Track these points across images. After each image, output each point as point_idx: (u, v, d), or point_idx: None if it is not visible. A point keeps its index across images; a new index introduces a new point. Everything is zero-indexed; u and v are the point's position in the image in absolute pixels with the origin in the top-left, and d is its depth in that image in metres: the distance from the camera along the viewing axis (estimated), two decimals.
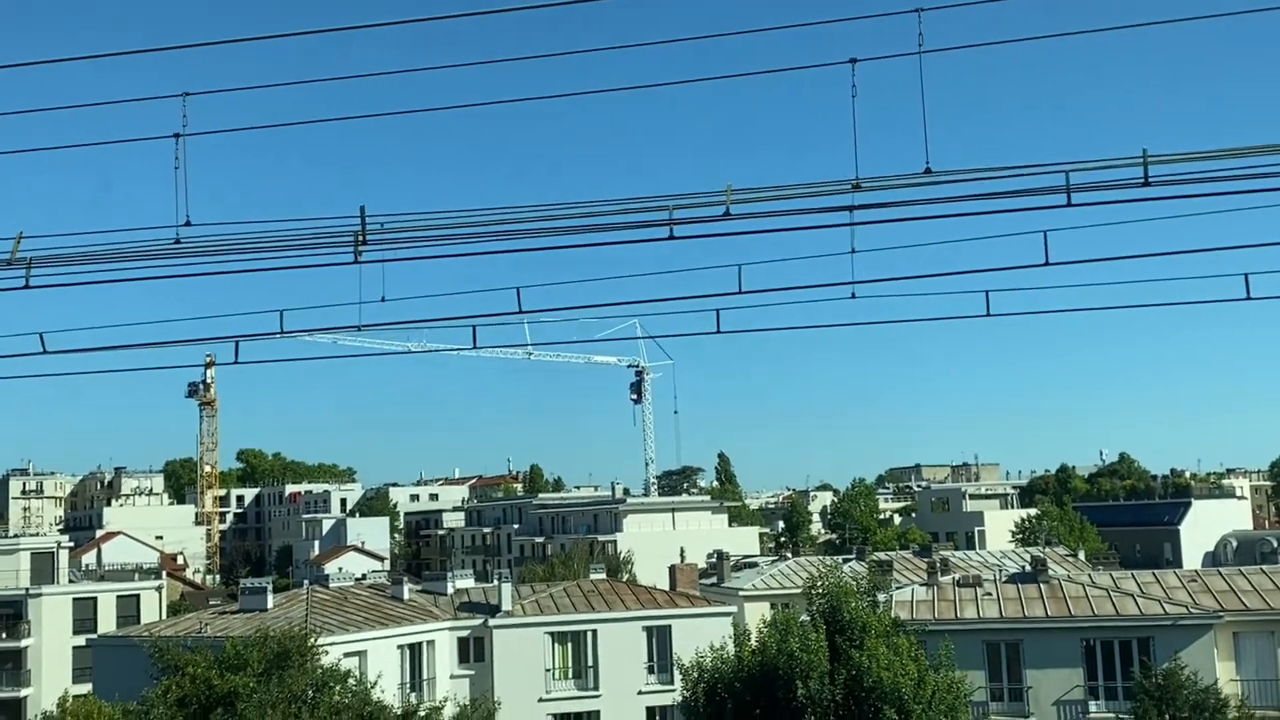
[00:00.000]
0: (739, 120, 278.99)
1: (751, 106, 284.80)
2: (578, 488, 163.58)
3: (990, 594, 46.35)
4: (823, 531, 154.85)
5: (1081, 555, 70.85)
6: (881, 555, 69.81)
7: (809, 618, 37.74)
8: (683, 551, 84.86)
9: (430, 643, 50.47)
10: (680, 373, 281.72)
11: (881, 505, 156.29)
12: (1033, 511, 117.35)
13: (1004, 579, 48.50)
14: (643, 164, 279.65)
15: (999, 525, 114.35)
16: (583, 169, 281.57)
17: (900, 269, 14.90)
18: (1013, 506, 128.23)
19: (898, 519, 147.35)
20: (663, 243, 13.61)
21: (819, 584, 38.69)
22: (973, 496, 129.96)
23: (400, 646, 49.55)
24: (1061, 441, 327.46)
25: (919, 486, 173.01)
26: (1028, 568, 51.75)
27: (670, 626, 51.65)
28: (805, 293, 15.57)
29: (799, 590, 47.19)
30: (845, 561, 60.07)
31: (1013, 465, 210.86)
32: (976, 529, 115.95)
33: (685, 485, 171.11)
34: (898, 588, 48.01)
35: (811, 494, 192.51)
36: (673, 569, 59.18)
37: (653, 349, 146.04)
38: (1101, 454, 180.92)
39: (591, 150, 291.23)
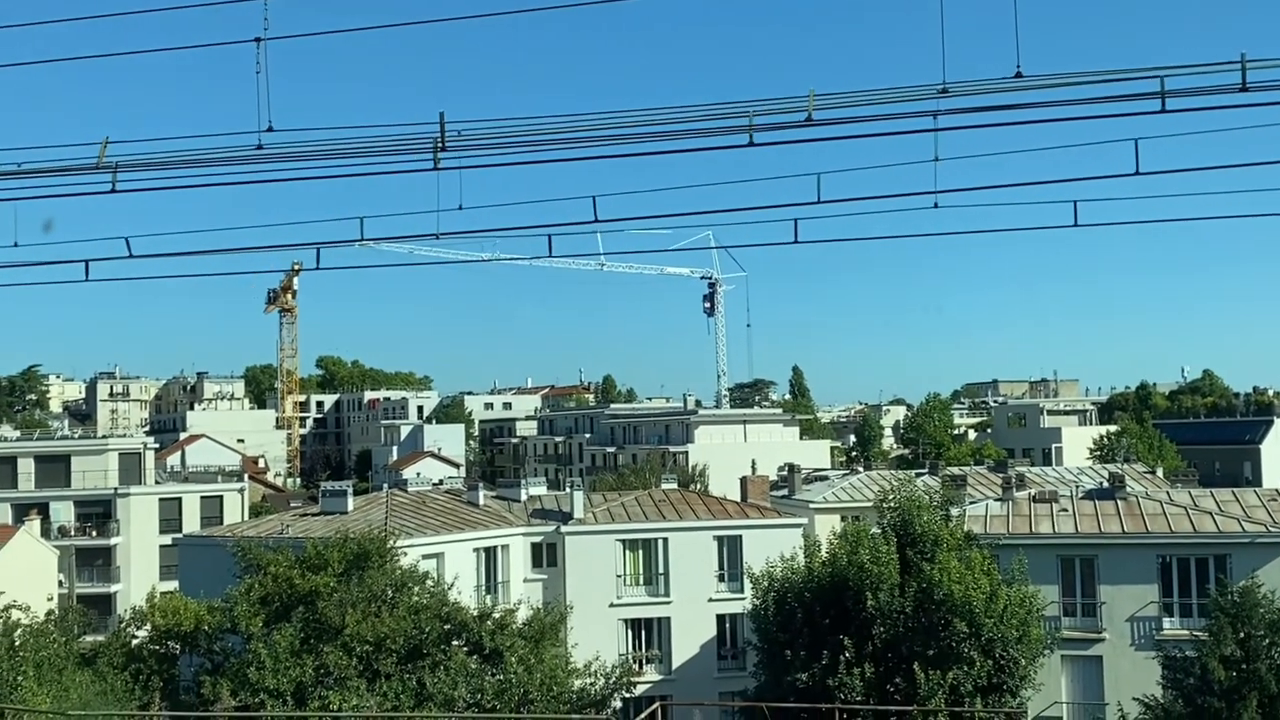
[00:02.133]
0: (821, 25, 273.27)
1: (835, 8, 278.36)
2: (649, 399, 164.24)
3: (1066, 510, 46.00)
4: (895, 446, 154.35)
5: (1160, 473, 69.94)
6: (955, 470, 69.48)
7: (880, 530, 37.85)
8: (754, 464, 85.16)
9: (505, 547, 51.35)
10: (753, 284, 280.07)
11: (956, 421, 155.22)
12: (1112, 428, 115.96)
13: (1080, 495, 48.08)
14: (722, 71, 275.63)
15: (1077, 442, 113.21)
16: (662, 76, 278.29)
17: (986, 177, 14.62)
18: (1091, 423, 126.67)
19: (973, 435, 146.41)
20: (740, 151, 13.44)
21: (891, 497, 38.76)
22: (1050, 412, 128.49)
23: (476, 550, 50.47)
24: (1143, 358, 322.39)
25: (995, 402, 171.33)
26: (1105, 484, 51.24)
27: (740, 536, 52.03)
28: (886, 202, 15.32)
29: (870, 503, 47.27)
30: (918, 475, 59.87)
31: (1092, 381, 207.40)
32: (1054, 445, 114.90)
33: (757, 398, 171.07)
34: (971, 503, 47.82)
35: (884, 408, 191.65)
36: (744, 480, 59.44)
37: (725, 260, 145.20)
38: (1184, 371, 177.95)
39: (670, 58, 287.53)
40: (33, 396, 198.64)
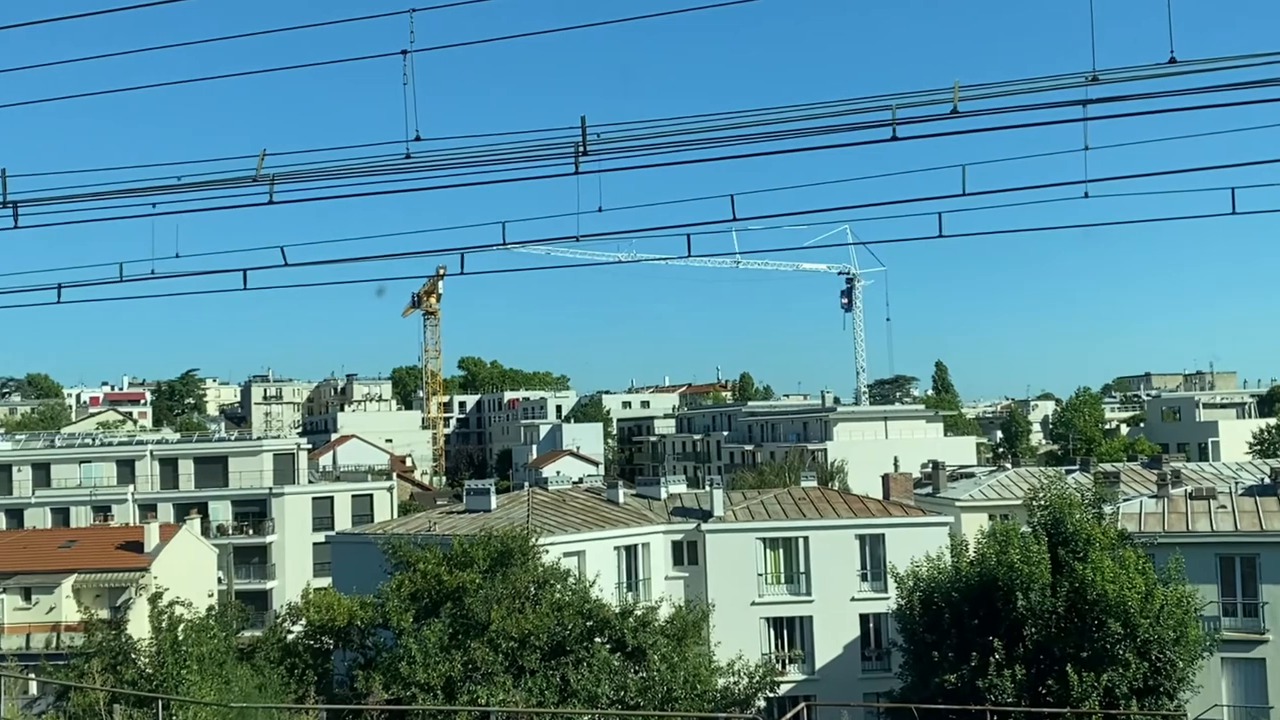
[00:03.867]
0: (966, 14, 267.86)
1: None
2: (787, 396, 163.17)
3: (1225, 506, 44.29)
4: (1044, 442, 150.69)
5: None
6: (1107, 467, 67.46)
7: (1030, 529, 36.98)
8: (896, 461, 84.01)
9: (645, 545, 51.62)
10: (893, 279, 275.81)
11: (1107, 415, 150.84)
12: (1272, 421, 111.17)
13: (1240, 492, 46.23)
14: (863, 65, 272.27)
15: (1235, 436, 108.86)
16: (801, 72, 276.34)
17: (1138, 165, 14.11)
18: (1250, 416, 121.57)
19: (1125, 429, 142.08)
20: (879, 146, 13.26)
21: (1041, 495, 37.84)
22: (1207, 405, 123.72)
23: (617, 548, 50.85)
24: None
25: (1148, 395, 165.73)
26: (1266, 480, 49.17)
27: (883, 535, 51.36)
28: (1034, 193, 14.96)
29: (1019, 501, 46.23)
30: (1068, 473, 58.27)
31: (1251, 373, 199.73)
32: (1210, 440, 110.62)
33: (898, 394, 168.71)
34: (1124, 500, 46.37)
35: (1032, 403, 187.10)
36: (886, 478, 58.67)
37: (863, 255, 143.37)
38: None
39: (809, 54, 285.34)
40: (191, 400, 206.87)
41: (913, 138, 13.11)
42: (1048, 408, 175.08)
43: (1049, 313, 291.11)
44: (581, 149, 13.33)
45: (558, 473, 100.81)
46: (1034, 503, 37.91)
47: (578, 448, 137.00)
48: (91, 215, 15.47)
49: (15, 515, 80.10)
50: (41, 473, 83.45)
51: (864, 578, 51.48)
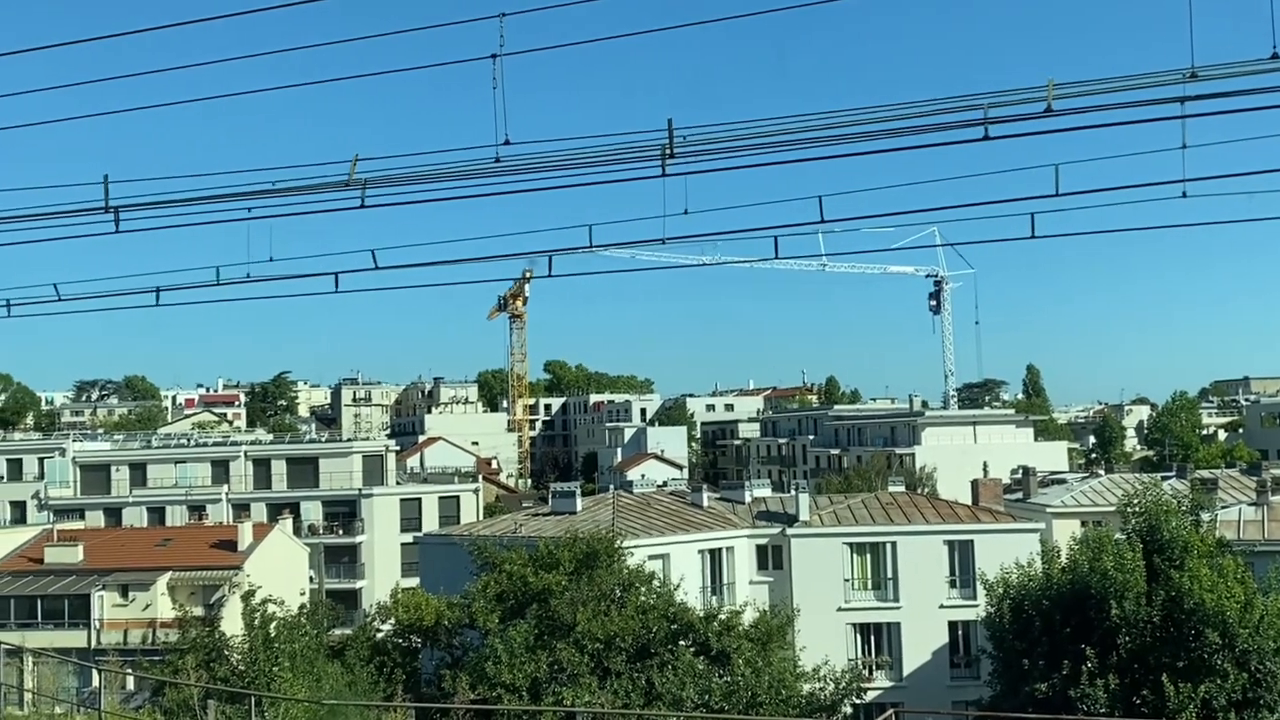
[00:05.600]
0: (1059, 11, 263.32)
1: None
2: (874, 400, 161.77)
3: None
4: (1138, 448, 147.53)
5: None
6: (1204, 473, 65.79)
7: (1124, 536, 36.22)
8: (985, 466, 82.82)
9: (730, 549, 51.47)
10: (982, 281, 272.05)
11: (1205, 420, 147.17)
12: None
13: None
14: (955, 64, 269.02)
15: None
16: (891, 72, 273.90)
17: (1238, 164, 13.71)
18: None
19: (1223, 435, 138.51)
20: (970, 146, 13.07)
21: (1136, 501, 37.05)
22: None
23: (701, 551, 50.76)
24: None
25: (1247, 400, 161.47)
26: None
27: (972, 541, 50.63)
28: (1129, 193, 14.63)
29: (1113, 508, 45.26)
30: (1164, 479, 56.95)
31: None
32: None
33: (987, 398, 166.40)
34: (1223, 507, 45.23)
35: (1126, 408, 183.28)
36: (975, 483, 57.85)
37: (952, 257, 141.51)
38: None
39: (899, 53, 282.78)
40: (283, 402, 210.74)
41: (1005, 137, 12.90)
42: (1143, 412, 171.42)
43: (1144, 315, 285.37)
44: (668, 151, 13.33)
45: (642, 476, 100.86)
46: (1128, 509, 37.11)
47: (662, 451, 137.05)
48: (189, 220, 15.83)
49: (114, 514, 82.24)
50: (139, 473, 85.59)
51: (953, 584, 50.80)
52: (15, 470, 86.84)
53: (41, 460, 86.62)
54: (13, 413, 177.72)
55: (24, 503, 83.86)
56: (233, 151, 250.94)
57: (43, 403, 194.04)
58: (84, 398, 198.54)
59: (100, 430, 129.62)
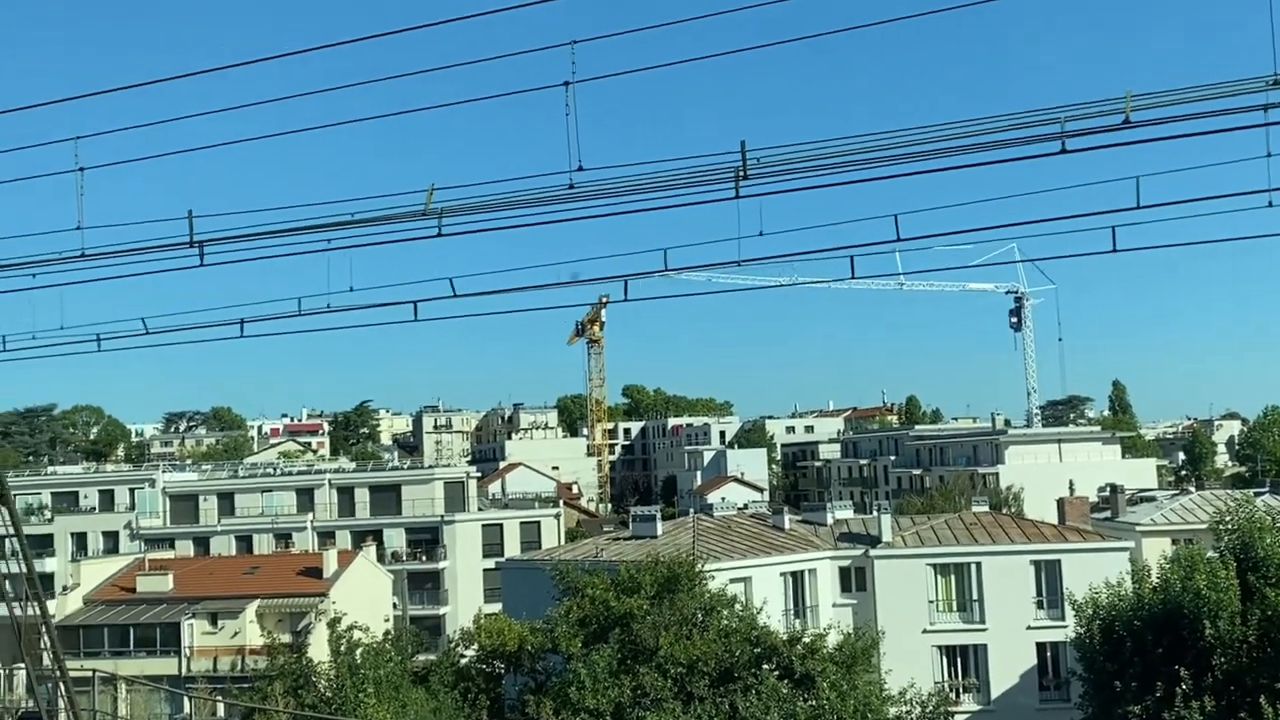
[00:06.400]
0: (1136, 23, 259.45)
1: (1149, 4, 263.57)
2: (955, 419, 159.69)
3: None
4: (1230, 464, 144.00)
5: None
6: None
7: (1217, 554, 35.34)
8: (1071, 484, 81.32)
9: (812, 571, 51.07)
10: (1065, 297, 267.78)
11: None
12: None
13: None
14: (1030, 78, 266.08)
15: None
16: (964, 89, 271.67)
17: None
18: None
19: None
20: (1048, 160, 12.92)
21: (1228, 518, 36.15)
22: None
23: (783, 574, 50.43)
24: None
25: None
26: None
27: (1059, 561, 49.72)
28: (1213, 203, 14.36)
29: (1204, 526, 44.20)
30: (1257, 495, 55.51)
31: None
32: None
33: (1071, 415, 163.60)
34: None
35: (1216, 423, 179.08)
36: (1061, 502, 56.82)
37: (1032, 273, 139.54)
38: None
39: (972, 69, 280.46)
40: (365, 430, 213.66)
41: (1083, 150, 12.75)
42: (1233, 428, 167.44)
43: (1233, 327, 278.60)
44: (742, 173, 13.35)
45: (722, 499, 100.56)
46: (1221, 527, 36.21)
47: (742, 474, 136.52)
48: (271, 252, 16.15)
49: (202, 543, 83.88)
50: (226, 502, 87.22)
51: (1040, 605, 49.89)
52: (108, 501, 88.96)
53: (133, 491, 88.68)
54: (104, 445, 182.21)
55: (116, 533, 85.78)
56: (311, 183, 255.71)
57: (133, 434, 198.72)
58: (172, 429, 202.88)
59: (189, 460, 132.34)
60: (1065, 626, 43.62)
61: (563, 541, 77.93)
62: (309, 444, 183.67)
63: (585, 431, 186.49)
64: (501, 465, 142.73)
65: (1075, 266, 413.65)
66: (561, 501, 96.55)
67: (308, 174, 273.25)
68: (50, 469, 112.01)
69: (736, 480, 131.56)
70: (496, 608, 58.62)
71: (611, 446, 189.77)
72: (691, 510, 67.99)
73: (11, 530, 22.02)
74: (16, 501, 30.96)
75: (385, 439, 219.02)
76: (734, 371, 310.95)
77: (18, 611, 22.45)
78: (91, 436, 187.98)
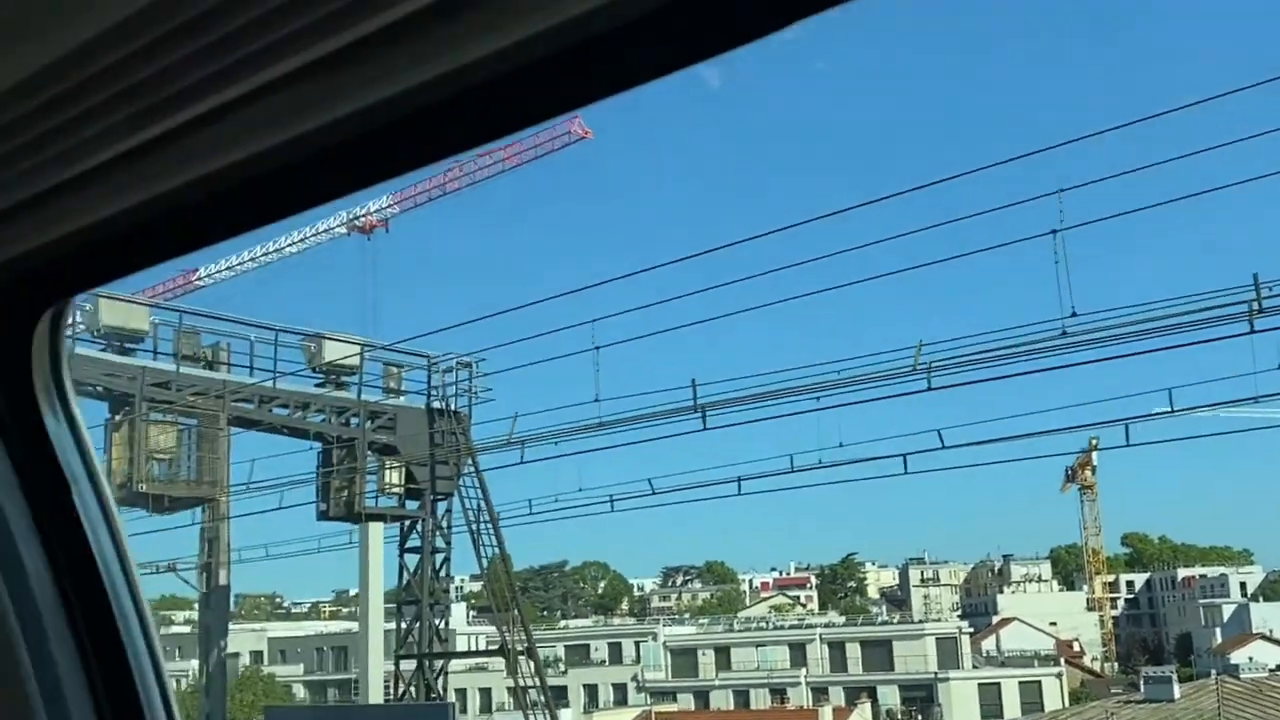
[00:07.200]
0: None
1: None
2: None
3: None
4: None
5: None
6: None
7: None
8: None
9: None
10: None
11: None
12: None
13: None
14: None
15: None
16: None
17: None
18: None
19: None
20: None
21: None
22: None
23: None
24: None
25: None
26: None
27: None
28: None
29: None
30: None
31: None
32: None
33: None
34: None
35: None
36: None
37: None
38: None
39: None
40: (852, 583, 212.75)
41: None
42: None
43: None
44: (1257, 307, 12.56)
45: (1249, 659, 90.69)
46: None
47: (1270, 630, 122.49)
48: (764, 414, 16.97)
49: (702, 696, 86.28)
50: (723, 655, 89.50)
51: None
52: (615, 654, 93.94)
53: (637, 644, 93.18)
54: (611, 599, 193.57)
55: (625, 684, 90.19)
56: (796, 345, 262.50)
57: (635, 589, 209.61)
58: (669, 583, 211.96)
59: (685, 614, 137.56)
60: None
61: (1067, 703, 73.16)
62: (797, 597, 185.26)
63: (1083, 584, 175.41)
64: (994, 620, 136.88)
65: None
66: (1063, 660, 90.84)
67: (794, 336, 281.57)
68: (563, 623, 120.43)
69: (1264, 638, 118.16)
70: None
71: (1113, 600, 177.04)
72: (1213, 671, 61.80)
73: (535, 682, 23.99)
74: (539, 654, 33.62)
75: (872, 592, 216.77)
76: (1252, 516, 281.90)
77: None
78: (599, 591, 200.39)
